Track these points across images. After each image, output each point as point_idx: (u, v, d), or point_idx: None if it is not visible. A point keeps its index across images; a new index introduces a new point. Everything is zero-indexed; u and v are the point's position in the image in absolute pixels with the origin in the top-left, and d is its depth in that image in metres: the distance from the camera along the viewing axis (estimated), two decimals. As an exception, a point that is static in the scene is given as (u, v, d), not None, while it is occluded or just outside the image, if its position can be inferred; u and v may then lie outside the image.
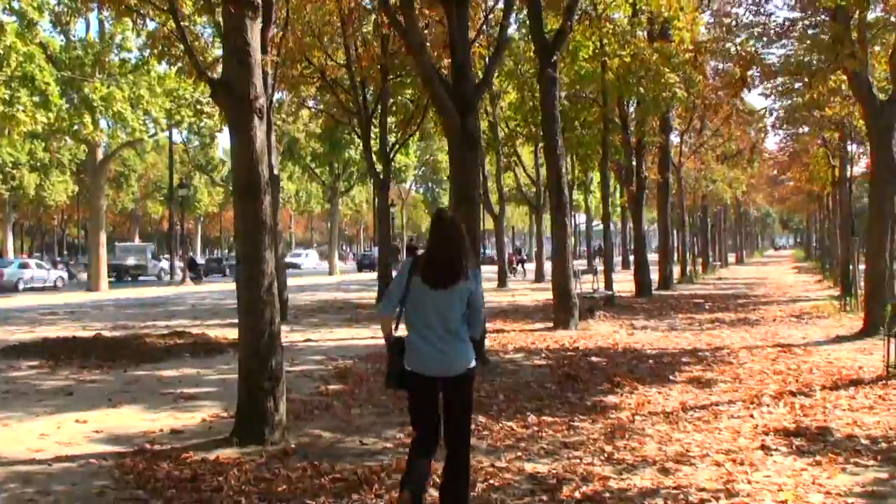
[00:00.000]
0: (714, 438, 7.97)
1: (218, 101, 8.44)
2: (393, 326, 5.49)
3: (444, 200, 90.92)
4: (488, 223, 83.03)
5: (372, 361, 13.17)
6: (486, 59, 24.15)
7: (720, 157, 43.50)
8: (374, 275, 39.34)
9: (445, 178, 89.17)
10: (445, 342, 5.28)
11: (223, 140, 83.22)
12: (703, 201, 49.48)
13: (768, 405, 9.51)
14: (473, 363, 5.40)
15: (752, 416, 8.99)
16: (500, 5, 21.63)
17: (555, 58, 17.69)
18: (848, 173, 26.45)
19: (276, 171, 19.24)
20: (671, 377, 11.58)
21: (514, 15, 19.27)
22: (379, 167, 25.33)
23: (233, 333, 16.65)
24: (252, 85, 7.69)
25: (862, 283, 20.58)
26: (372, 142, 25.74)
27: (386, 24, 22.41)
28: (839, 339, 15.68)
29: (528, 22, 20.87)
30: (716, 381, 11.20)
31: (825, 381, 10.98)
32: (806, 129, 28.75)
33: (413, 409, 5.49)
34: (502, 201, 36.29)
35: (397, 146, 27.11)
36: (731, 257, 74.32)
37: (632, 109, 26.33)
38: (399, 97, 26.71)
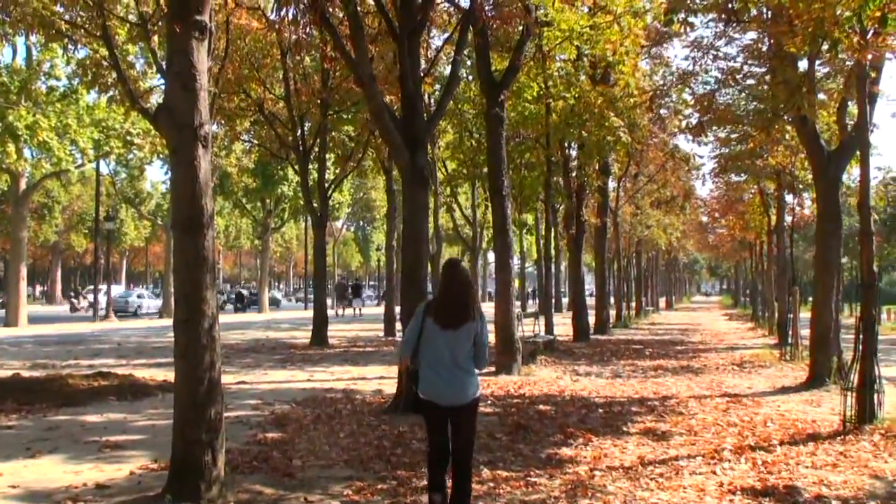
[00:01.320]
0: (679, 497, 7.56)
1: (159, 127, 7.84)
2: (409, 363, 6.45)
3: (376, 239, 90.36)
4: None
5: (311, 407, 12.53)
6: (430, 98, 24.07)
7: (654, 203, 43.80)
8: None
9: (379, 216, 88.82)
10: (455, 376, 6.25)
11: (152, 173, 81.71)
12: (637, 246, 49.76)
13: (730, 461, 9.14)
14: (479, 393, 6.45)
15: (714, 472, 8.61)
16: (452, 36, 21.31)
17: (502, 97, 17.41)
18: (785, 222, 26.57)
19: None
20: (624, 428, 11.18)
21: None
22: (316, 204, 24.71)
23: (161, 374, 15.98)
24: (197, 111, 7.13)
25: (802, 332, 20.71)
26: (309, 177, 25.10)
27: (328, 57, 22.01)
28: (785, 390, 15.48)
29: (473, 59, 20.59)
30: (671, 433, 10.83)
31: (783, 436, 10.66)
32: (743, 176, 28.83)
33: (429, 430, 6.50)
34: (439, 241, 35.83)
35: (335, 183, 26.52)
36: (661, 302, 74.87)
37: (574, 153, 26.16)
38: (337, 133, 26.16)
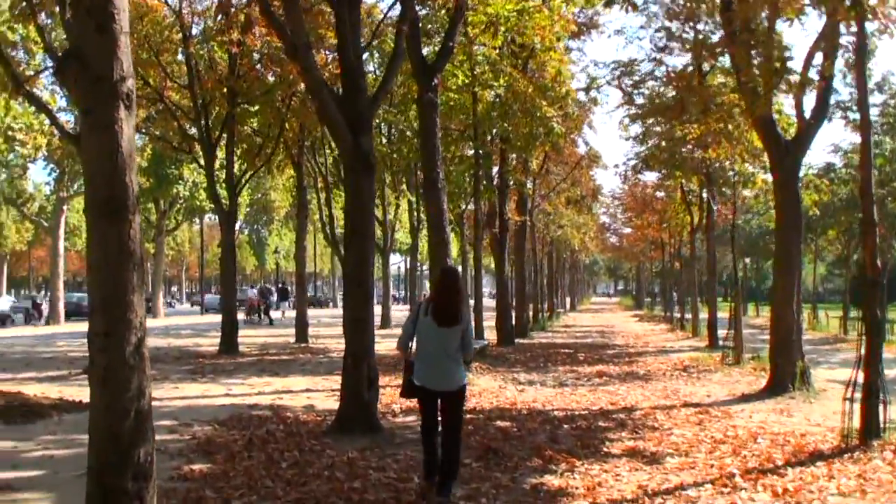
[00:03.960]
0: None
1: (67, 80, 6.06)
2: (408, 353, 7.60)
3: (273, 243, 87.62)
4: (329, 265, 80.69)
5: (238, 428, 10.79)
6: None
7: (567, 202, 42.95)
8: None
9: (277, 218, 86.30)
10: (446, 365, 7.31)
11: (34, 173, 77.09)
12: (550, 246, 48.92)
13: (745, 489, 7.89)
14: (466, 380, 7.61)
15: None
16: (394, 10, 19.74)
17: (435, 80, 15.92)
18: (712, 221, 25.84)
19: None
20: (604, 448, 9.85)
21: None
22: (224, 200, 22.73)
23: (55, 390, 13.92)
24: (117, 60, 5.42)
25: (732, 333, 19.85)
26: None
27: (234, 42, 20.18)
28: (746, 398, 14.42)
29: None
30: (660, 454, 9.52)
31: (783, 454, 9.45)
32: (665, 173, 27.95)
33: (423, 413, 7.65)
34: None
35: (246, 178, 24.48)
36: (566, 304, 74.58)
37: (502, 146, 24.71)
38: (244, 126, 24.13)
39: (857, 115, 29.01)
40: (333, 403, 13.09)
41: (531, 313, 38.07)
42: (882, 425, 9.76)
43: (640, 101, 23.96)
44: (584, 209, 45.97)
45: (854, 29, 10.52)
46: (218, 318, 25.97)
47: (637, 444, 10.05)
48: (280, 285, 53.29)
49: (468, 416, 12.07)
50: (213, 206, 26.75)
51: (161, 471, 7.97)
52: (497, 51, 21.27)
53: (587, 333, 36.35)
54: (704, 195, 26.68)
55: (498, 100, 21.05)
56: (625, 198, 44.43)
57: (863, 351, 9.86)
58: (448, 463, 7.38)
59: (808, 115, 14.94)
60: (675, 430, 11.15)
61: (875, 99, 27.79)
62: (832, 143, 57.62)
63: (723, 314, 34.66)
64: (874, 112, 28.07)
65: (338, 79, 13.53)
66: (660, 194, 37.60)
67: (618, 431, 11.03)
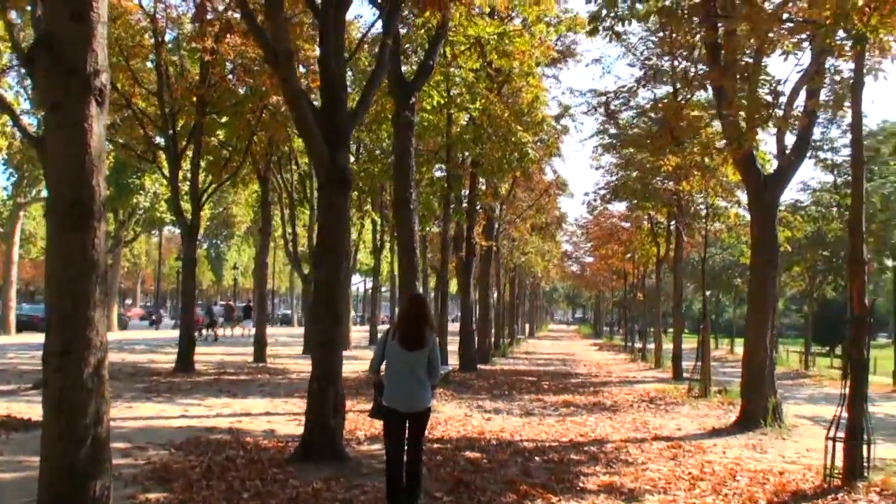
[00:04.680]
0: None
1: (35, 72, 5.60)
2: (378, 375, 7.86)
3: (231, 258, 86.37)
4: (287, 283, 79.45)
5: (195, 453, 10.23)
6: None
7: (532, 229, 42.74)
8: None
9: (238, 233, 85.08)
10: (413, 387, 7.56)
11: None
12: (513, 272, 48.64)
13: (735, 532, 7.52)
14: (431, 403, 7.84)
15: (725, 548, 6.96)
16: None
17: (413, 99, 15.59)
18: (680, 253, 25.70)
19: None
20: (580, 484, 9.43)
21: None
22: (188, 213, 22.11)
23: (2, 407, 13.22)
24: (91, 53, 5.02)
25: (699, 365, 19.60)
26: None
27: (207, 50, 19.67)
28: (717, 432, 14.15)
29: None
30: (640, 491, 9.15)
31: (766, 495, 9.11)
32: (635, 203, 27.80)
33: (388, 432, 7.76)
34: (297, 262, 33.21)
35: (210, 190, 23.82)
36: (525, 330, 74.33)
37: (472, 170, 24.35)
38: (211, 137, 23.56)
39: (828, 155, 29.42)
40: (295, 428, 12.62)
41: (493, 339, 37.72)
42: (865, 465, 9.47)
43: (613, 131, 23.93)
44: (549, 237, 45.86)
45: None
46: (172, 333, 25.24)
47: (613, 480, 9.66)
48: (247, 303, 52.38)
49: (435, 445, 11.68)
50: (174, 218, 26.09)
51: (115, 500, 7.50)
52: (473, 73, 20.98)
53: (549, 361, 36.02)
54: (673, 227, 26.56)
55: (472, 123, 20.70)
56: (590, 227, 44.28)
57: (847, 390, 9.57)
58: (413, 484, 7.72)
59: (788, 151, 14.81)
60: (651, 464, 10.80)
61: (845, 140, 27.93)
62: (801, 181, 58.19)
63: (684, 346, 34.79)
64: (844, 153, 28.27)
65: (313, 92, 13.14)
66: (626, 224, 37.54)
67: (591, 465, 10.64)
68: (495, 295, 39.43)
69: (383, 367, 7.81)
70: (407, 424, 7.62)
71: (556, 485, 9.27)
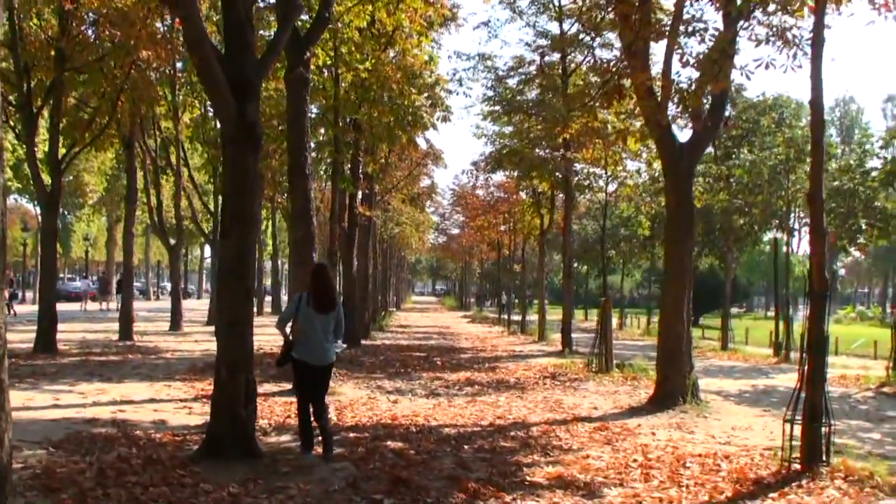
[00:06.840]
0: None
1: None
2: (286, 330, 9.01)
3: (80, 229, 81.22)
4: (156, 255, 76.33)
5: (81, 452, 8.79)
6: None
7: (405, 199, 41.74)
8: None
9: (89, 202, 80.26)
10: (323, 345, 8.83)
11: None
12: (386, 244, 47.52)
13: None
14: (335, 357, 9.10)
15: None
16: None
17: (307, 54, 14.29)
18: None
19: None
20: (528, 477, 8.57)
21: None
22: (46, 180, 19.99)
23: None
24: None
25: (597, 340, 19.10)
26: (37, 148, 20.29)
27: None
28: (636, 411, 13.59)
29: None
30: (593, 484, 8.31)
31: (729, 484, 8.40)
32: (519, 174, 27.08)
33: (299, 383, 9.08)
34: (181, 231, 31.12)
35: (73, 154, 21.58)
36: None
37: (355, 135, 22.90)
38: (72, 95, 21.39)
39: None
40: (187, 418, 11.34)
41: (370, 313, 36.65)
42: (825, 449, 8.88)
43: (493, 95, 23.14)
44: (419, 208, 45.01)
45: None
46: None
47: (559, 471, 8.79)
48: (120, 278, 50.15)
49: (352, 434, 10.59)
50: (26, 184, 23.81)
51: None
52: (359, 32, 19.61)
53: (427, 335, 35.21)
54: (560, 197, 26.04)
55: (362, 85, 19.35)
56: (469, 197, 43.42)
57: (805, 368, 8.96)
58: (323, 427, 8.95)
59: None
60: (588, 450, 10.07)
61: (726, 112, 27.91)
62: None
63: (552, 317, 34.63)
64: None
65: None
66: (502, 195, 37.01)
67: (528, 454, 9.77)
68: (372, 267, 38.33)
69: (288, 327, 8.94)
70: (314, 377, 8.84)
71: (502, 480, 8.35)
